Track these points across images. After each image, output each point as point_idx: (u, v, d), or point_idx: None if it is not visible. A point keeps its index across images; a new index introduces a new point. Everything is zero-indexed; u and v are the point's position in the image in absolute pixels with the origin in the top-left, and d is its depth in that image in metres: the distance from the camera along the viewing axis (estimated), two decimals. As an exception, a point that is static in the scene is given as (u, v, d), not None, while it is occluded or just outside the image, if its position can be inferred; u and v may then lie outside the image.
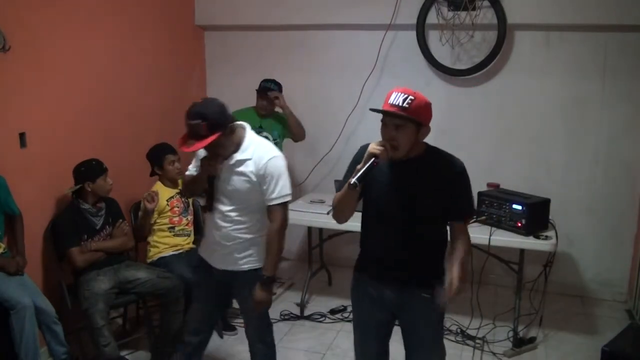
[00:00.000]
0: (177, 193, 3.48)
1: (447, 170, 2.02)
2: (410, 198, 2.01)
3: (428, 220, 2.04)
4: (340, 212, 2.13)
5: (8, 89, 2.89)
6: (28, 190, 3.00)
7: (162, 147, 3.45)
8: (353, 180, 1.89)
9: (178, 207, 3.46)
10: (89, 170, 3.09)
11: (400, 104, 1.91)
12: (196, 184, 2.48)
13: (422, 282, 2.07)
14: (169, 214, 3.42)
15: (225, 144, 2.30)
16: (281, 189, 2.36)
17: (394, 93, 1.94)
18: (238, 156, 2.34)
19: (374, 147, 1.93)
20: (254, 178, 2.33)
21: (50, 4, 3.12)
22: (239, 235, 2.41)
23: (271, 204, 2.36)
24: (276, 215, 2.38)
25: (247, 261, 2.44)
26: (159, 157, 3.43)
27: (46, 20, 3.09)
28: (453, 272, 1.95)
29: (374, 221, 2.12)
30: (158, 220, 3.41)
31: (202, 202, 4.09)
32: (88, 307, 2.87)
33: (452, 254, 2.05)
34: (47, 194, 3.16)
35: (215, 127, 2.20)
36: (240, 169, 2.34)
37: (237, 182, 2.35)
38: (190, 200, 3.59)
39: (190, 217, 3.55)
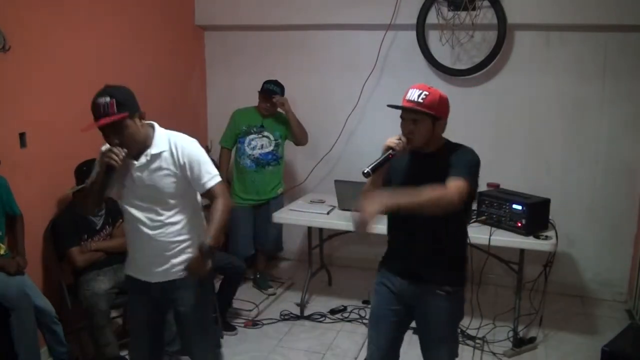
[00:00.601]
0: None
1: (455, 160, 2.05)
2: None
3: (448, 216, 2.03)
4: None
5: (8, 89, 2.89)
6: (28, 190, 3.00)
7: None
8: (366, 169, 1.98)
9: None
10: (91, 170, 3.08)
11: (415, 99, 2.02)
12: (92, 190, 2.23)
13: (439, 278, 2.13)
14: None
15: (133, 130, 2.12)
16: (208, 169, 2.22)
17: (410, 90, 2.06)
18: (152, 151, 2.18)
19: (390, 140, 2.03)
20: (174, 169, 2.18)
21: (50, 4, 3.12)
22: (173, 239, 2.22)
23: (206, 187, 2.21)
24: (216, 193, 2.21)
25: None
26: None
27: (46, 20, 3.09)
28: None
29: (396, 215, 2.18)
30: None
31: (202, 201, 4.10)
32: (89, 306, 2.87)
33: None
34: (47, 194, 3.16)
35: (123, 106, 2.08)
36: (157, 164, 2.17)
37: (157, 179, 2.17)
38: None
39: None
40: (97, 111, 2.08)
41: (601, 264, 4.11)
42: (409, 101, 2.03)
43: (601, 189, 4.01)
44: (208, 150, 4.59)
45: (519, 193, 3.50)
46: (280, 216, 3.83)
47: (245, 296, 3.98)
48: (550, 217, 3.45)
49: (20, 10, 2.93)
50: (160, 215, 2.20)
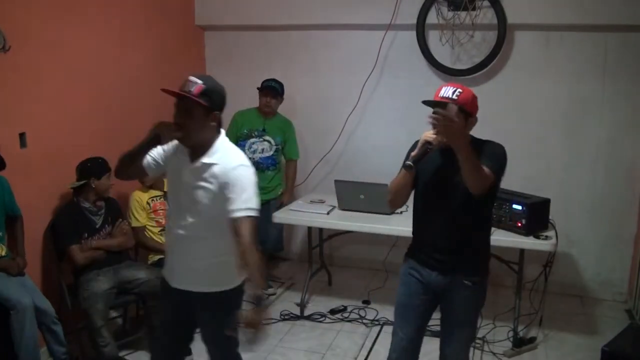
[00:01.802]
0: (161, 195, 3.46)
1: (487, 152, 2.13)
2: (456, 185, 2.10)
3: (472, 207, 2.14)
4: (396, 196, 2.26)
5: (8, 89, 2.89)
6: (28, 190, 3.00)
7: (103, 161, 3.18)
8: (409, 162, 2.06)
9: (162, 209, 3.44)
10: (95, 167, 3.11)
11: (450, 96, 2.09)
12: (129, 153, 2.20)
13: (466, 269, 2.20)
14: (153, 215, 3.41)
15: (198, 123, 2.09)
16: (247, 199, 2.06)
17: (443, 87, 2.13)
18: (205, 159, 2.10)
19: (428, 135, 2.07)
20: (216, 185, 2.07)
21: (50, 4, 3.12)
22: (207, 251, 2.13)
23: (236, 215, 2.01)
24: (244, 229, 2.00)
25: (216, 282, 2.17)
26: (99, 172, 3.13)
27: (46, 20, 3.09)
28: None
29: (423, 208, 2.26)
30: (147, 223, 3.41)
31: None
32: (87, 307, 2.87)
33: None
34: (47, 194, 3.16)
35: (205, 96, 2.08)
36: (205, 175, 2.09)
37: (199, 188, 2.09)
38: None
39: None
40: (184, 85, 2.09)
41: (601, 264, 4.11)
42: (443, 97, 2.09)
43: (601, 189, 4.01)
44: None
45: (519, 193, 3.50)
46: (281, 216, 3.83)
47: (245, 296, 3.97)
48: (550, 217, 3.45)
49: (20, 10, 2.93)
50: (192, 222, 2.11)
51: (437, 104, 2.07)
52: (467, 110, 2.10)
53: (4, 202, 2.84)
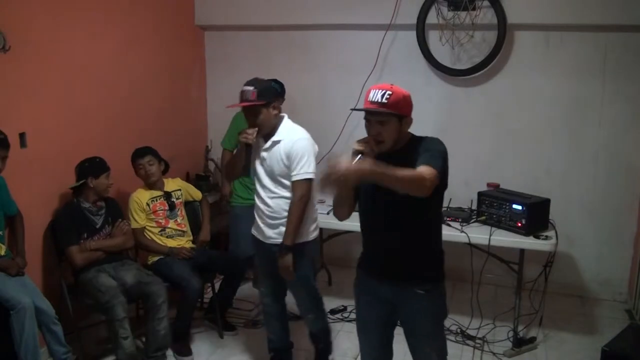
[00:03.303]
0: (161, 196, 3.46)
1: (424, 148, 2.00)
2: (393, 193, 1.91)
3: (416, 211, 2.02)
4: (337, 206, 2.21)
5: (8, 89, 2.89)
6: (28, 190, 3.01)
7: (102, 161, 3.20)
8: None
9: (162, 210, 3.44)
10: (93, 166, 3.10)
11: (379, 100, 1.95)
12: (235, 162, 2.76)
13: (415, 278, 2.10)
14: (152, 216, 3.41)
15: (264, 116, 2.63)
16: (302, 166, 2.65)
17: (372, 90, 2.00)
18: (274, 138, 2.69)
19: (357, 144, 1.94)
20: (284, 158, 2.67)
21: (50, 5, 3.12)
22: (282, 209, 2.70)
23: (293, 179, 2.66)
24: (297, 190, 2.65)
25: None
26: (97, 171, 3.15)
27: (46, 20, 3.09)
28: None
29: (366, 217, 2.17)
30: (147, 224, 3.41)
31: (211, 199, 4.11)
32: (109, 299, 2.86)
33: None
34: (47, 194, 3.16)
35: (261, 96, 2.61)
36: (274, 149, 2.69)
37: (273, 162, 2.69)
38: (181, 201, 3.56)
39: (180, 219, 3.53)
40: (242, 96, 2.64)
41: (601, 264, 4.11)
42: (373, 102, 1.96)
43: (601, 189, 4.01)
44: (207, 150, 4.64)
45: (519, 193, 3.50)
46: (280, 216, 3.82)
47: (245, 296, 3.98)
48: (550, 217, 3.46)
49: (20, 10, 2.93)
50: (276, 189, 2.71)
51: (368, 111, 1.97)
52: (400, 113, 1.96)
53: (2, 201, 2.84)
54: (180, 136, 4.42)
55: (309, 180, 2.66)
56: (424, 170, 1.88)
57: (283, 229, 2.69)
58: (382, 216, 2.08)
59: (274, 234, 2.76)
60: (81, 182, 3.10)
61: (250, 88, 2.62)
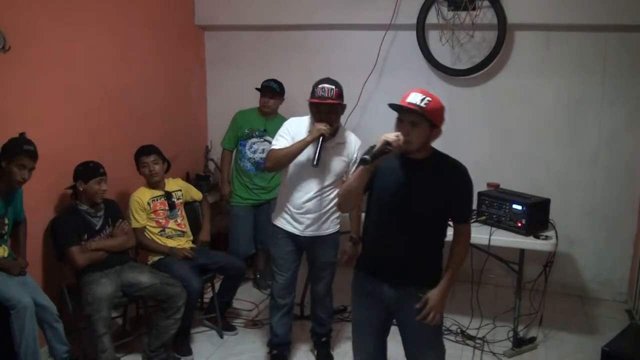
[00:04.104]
0: (162, 196, 3.46)
1: (452, 173, 2.11)
2: (413, 197, 2.07)
3: (428, 220, 2.09)
4: (345, 199, 2.22)
5: (8, 89, 2.89)
6: (28, 191, 3.00)
7: (95, 165, 3.16)
8: (366, 156, 1.98)
9: (162, 210, 3.44)
10: (84, 171, 3.09)
11: (417, 103, 1.99)
12: (292, 154, 2.82)
13: (419, 281, 2.13)
14: (153, 216, 3.41)
15: (338, 115, 2.86)
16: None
17: (412, 93, 2.03)
18: (337, 139, 2.88)
19: (388, 135, 2.00)
20: (347, 159, 2.90)
21: (50, 5, 3.11)
22: (328, 204, 2.92)
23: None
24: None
25: (330, 226, 2.99)
26: (87, 176, 3.11)
27: (46, 20, 3.09)
28: (431, 297, 2.10)
29: (376, 218, 2.18)
30: (147, 224, 3.41)
31: (211, 199, 4.11)
32: (91, 312, 2.85)
33: (449, 259, 2.16)
34: (47, 194, 3.16)
35: (340, 96, 2.83)
36: (338, 150, 2.89)
37: (334, 161, 2.88)
38: (182, 201, 3.56)
39: (180, 219, 3.53)
40: (325, 92, 2.79)
41: (601, 264, 4.11)
42: (411, 104, 2.00)
43: (601, 189, 4.01)
44: (207, 150, 4.64)
45: (519, 193, 3.50)
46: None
47: (245, 296, 3.98)
48: (550, 217, 3.45)
49: (20, 10, 2.93)
50: (329, 186, 2.90)
51: (404, 109, 2.00)
52: (433, 120, 2.00)
53: (15, 209, 2.85)
54: (180, 136, 4.42)
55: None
56: (465, 233, 2.19)
57: (323, 220, 2.94)
58: (398, 223, 2.11)
59: (316, 226, 2.94)
60: (72, 185, 3.09)
61: (332, 87, 2.78)
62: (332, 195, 2.93)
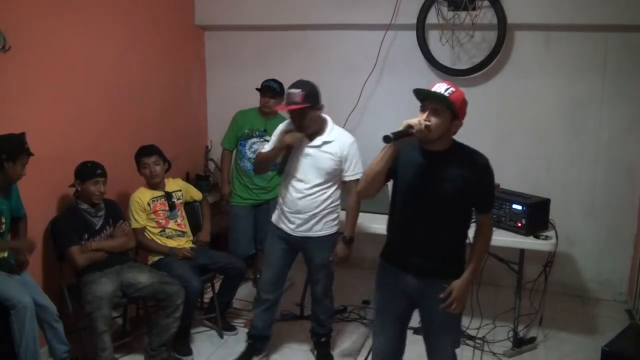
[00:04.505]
0: (162, 196, 3.45)
1: (473, 164, 2.14)
2: (435, 188, 2.12)
3: (451, 211, 2.15)
4: (368, 184, 2.18)
5: (8, 89, 2.89)
6: (28, 190, 3.00)
7: (93, 166, 3.14)
8: (389, 133, 2.00)
9: (162, 210, 3.43)
10: (81, 171, 3.09)
11: (441, 92, 2.06)
12: (269, 159, 2.91)
13: (442, 272, 2.19)
14: (153, 216, 3.41)
15: (310, 118, 2.76)
16: (357, 168, 2.87)
17: (437, 84, 2.11)
18: (324, 138, 2.83)
19: (410, 120, 2.04)
20: (337, 157, 2.83)
21: (51, 4, 3.11)
22: (319, 205, 2.87)
23: (351, 179, 2.87)
24: (353, 188, 2.84)
25: (323, 227, 2.93)
26: (83, 176, 3.10)
27: (46, 20, 3.09)
28: (456, 287, 2.16)
29: (400, 210, 2.23)
30: (147, 224, 3.41)
31: (211, 199, 4.10)
32: (91, 310, 2.86)
33: (472, 250, 2.21)
34: (47, 194, 3.16)
35: (308, 98, 2.69)
36: (326, 148, 2.82)
37: (323, 159, 2.82)
38: (182, 202, 3.56)
39: (180, 219, 3.53)
40: (289, 98, 2.71)
41: (601, 264, 4.11)
42: (435, 91, 2.07)
43: (601, 189, 4.01)
44: (207, 150, 4.64)
45: (519, 193, 3.50)
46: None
47: (245, 296, 3.98)
48: (550, 217, 3.45)
49: (20, 10, 2.93)
50: (317, 186, 2.85)
51: (428, 95, 2.06)
52: (456, 109, 2.06)
53: (12, 204, 2.85)
54: (180, 136, 4.42)
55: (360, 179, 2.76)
56: (487, 223, 2.24)
57: (314, 221, 2.89)
58: (421, 214, 2.16)
59: (306, 227, 2.91)
60: (71, 184, 3.10)
61: (297, 91, 2.70)
62: (324, 196, 2.89)
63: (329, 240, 2.96)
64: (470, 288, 2.22)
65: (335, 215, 2.97)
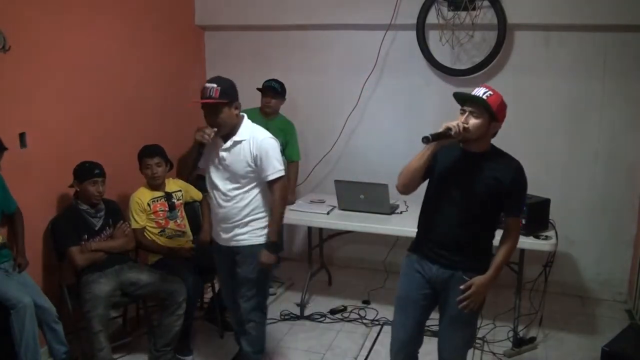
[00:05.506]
0: (162, 197, 3.45)
1: (507, 167, 2.23)
2: (470, 186, 2.20)
3: (482, 210, 2.23)
4: (407, 180, 2.23)
5: (8, 89, 2.89)
6: (28, 190, 3.01)
7: (91, 166, 3.14)
8: (428, 134, 2.08)
9: (162, 210, 3.43)
10: (79, 171, 3.09)
11: (479, 95, 2.15)
12: (186, 159, 2.74)
13: (468, 266, 2.25)
14: (152, 216, 3.41)
15: (225, 115, 2.57)
16: (275, 165, 2.62)
17: (477, 88, 2.19)
18: (235, 138, 2.62)
19: (449, 122, 2.12)
20: (249, 158, 2.60)
21: (50, 4, 3.12)
22: (240, 212, 2.65)
23: (268, 179, 2.63)
24: (274, 188, 2.65)
25: (248, 237, 2.68)
26: (81, 177, 3.11)
27: (46, 20, 3.09)
28: (476, 282, 2.21)
29: (435, 203, 2.29)
30: (147, 225, 3.41)
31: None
32: (88, 310, 2.86)
33: (497, 251, 2.30)
34: (47, 194, 3.17)
35: (223, 94, 2.55)
36: (236, 149, 2.62)
37: (234, 162, 2.61)
38: (181, 202, 3.56)
39: (180, 219, 3.53)
40: (204, 92, 2.57)
41: (601, 264, 4.11)
42: (474, 95, 2.15)
43: (601, 189, 4.01)
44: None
45: (519, 193, 3.50)
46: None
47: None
48: (550, 217, 3.45)
49: (20, 10, 2.93)
50: (233, 191, 2.63)
51: (467, 99, 2.15)
52: (493, 111, 2.13)
53: (0, 198, 2.83)
54: (180, 136, 4.41)
55: (283, 177, 2.67)
56: (515, 226, 2.30)
57: (239, 230, 2.67)
58: (454, 210, 2.22)
59: (230, 236, 2.69)
60: (70, 184, 3.10)
61: (214, 85, 2.56)
62: (243, 202, 2.64)
63: (254, 252, 2.67)
64: (490, 287, 2.26)
65: (262, 224, 2.68)
